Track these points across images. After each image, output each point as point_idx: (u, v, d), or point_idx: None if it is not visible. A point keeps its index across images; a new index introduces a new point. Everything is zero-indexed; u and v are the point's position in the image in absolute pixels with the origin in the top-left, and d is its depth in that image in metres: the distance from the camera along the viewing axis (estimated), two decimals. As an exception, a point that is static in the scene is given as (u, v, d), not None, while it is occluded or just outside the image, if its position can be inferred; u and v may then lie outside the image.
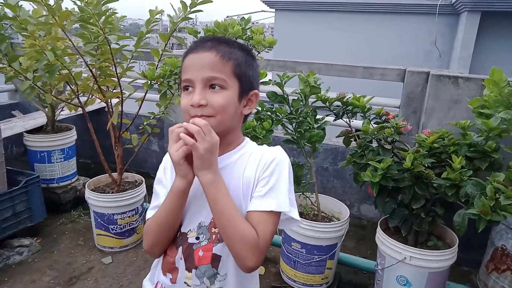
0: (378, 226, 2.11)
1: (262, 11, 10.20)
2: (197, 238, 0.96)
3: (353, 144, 2.19)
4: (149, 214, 1.00)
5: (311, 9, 8.12)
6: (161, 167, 1.05)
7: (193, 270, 0.96)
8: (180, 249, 0.97)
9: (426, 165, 1.86)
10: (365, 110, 2.15)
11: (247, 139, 1.03)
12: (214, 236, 0.95)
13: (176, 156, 0.86)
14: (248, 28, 2.22)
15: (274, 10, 8.61)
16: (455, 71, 2.74)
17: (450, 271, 2.07)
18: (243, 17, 2.22)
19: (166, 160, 1.04)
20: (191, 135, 0.84)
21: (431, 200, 1.94)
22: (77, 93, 2.48)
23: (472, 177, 1.77)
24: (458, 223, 1.69)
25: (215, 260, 0.95)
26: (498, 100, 1.92)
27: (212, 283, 0.96)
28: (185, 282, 0.98)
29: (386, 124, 2.07)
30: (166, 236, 0.97)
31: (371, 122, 2.16)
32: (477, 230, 1.56)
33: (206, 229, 0.96)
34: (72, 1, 2.04)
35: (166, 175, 1.02)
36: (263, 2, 8.57)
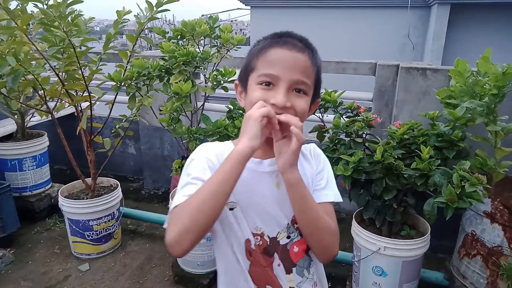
0: (353, 218, 2.14)
1: (238, 8, 10.17)
2: (288, 237, 0.97)
3: (326, 139, 2.21)
4: (179, 199, 0.83)
5: (285, 6, 8.15)
6: (199, 167, 0.90)
7: (293, 269, 0.97)
8: (276, 255, 0.96)
9: (396, 157, 1.89)
10: (336, 105, 2.17)
11: None
12: (299, 230, 0.97)
13: (258, 112, 0.80)
14: (216, 27, 2.21)
15: (249, 7, 8.60)
16: (423, 63, 2.79)
17: (427, 258, 2.11)
18: (211, 15, 2.21)
19: (206, 161, 0.92)
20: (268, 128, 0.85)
21: (402, 191, 1.98)
22: (45, 99, 2.42)
23: (441, 166, 1.81)
24: (428, 212, 1.73)
25: (308, 249, 0.99)
26: (463, 90, 1.97)
27: (309, 272, 1.00)
28: (290, 287, 0.97)
29: (357, 117, 2.10)
30: (207, 216, 0.78)
31: (344, 116, 2.19)
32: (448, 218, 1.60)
33: (293, 227, 0.97)
34: (34, 4, 1.98)
35: (206, 176, 0.87)
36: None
